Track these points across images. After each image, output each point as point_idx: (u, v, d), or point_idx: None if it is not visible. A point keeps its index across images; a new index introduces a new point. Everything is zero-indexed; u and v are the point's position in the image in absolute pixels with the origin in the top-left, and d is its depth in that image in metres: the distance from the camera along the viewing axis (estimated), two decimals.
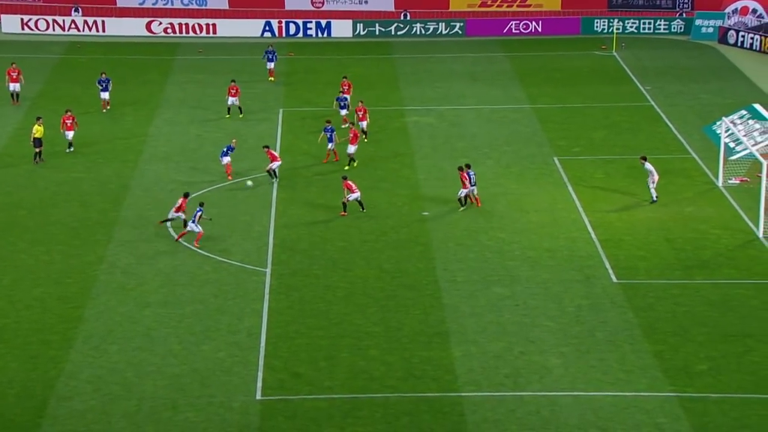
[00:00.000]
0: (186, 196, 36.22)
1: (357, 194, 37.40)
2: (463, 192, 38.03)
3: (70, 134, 43.79)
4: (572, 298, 31.70)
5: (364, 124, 44.90)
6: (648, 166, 37.10)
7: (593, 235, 36.08)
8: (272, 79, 53.30)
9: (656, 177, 37.33)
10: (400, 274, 33.53)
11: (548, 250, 34.93)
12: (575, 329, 29.91)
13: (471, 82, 54.16)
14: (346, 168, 41.37)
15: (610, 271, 33.41)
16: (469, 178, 38.15)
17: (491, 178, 41.55)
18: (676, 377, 27.40)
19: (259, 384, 27.51)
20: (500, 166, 42.79)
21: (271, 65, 53.47)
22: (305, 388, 27.39)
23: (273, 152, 41.00)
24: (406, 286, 32.67)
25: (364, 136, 44.56)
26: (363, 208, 37.23)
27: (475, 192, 38.41)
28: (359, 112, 45.03)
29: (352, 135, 41.92)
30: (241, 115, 48.10)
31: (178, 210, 35.80)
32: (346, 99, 46.70)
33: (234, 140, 42.06)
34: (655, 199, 36.83)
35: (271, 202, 39.17)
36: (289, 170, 41.71)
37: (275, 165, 40.51)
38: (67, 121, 43.73)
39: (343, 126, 44.63)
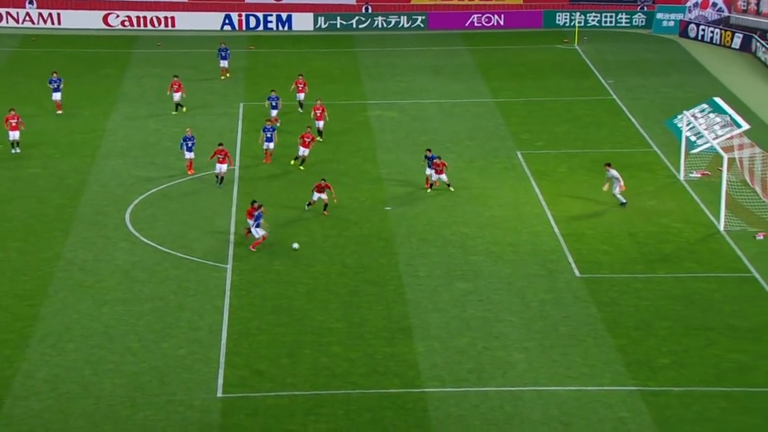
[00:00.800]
0: (253, 203, 35.12)
1: (323, 195, 36.97)
2: (442, 177, 38.49)
3: (15, 134, 42.36)
4: (535, 293, 31.80)
5: (321, 123, 44.25)
6: (613, 172, 36.49)
7: (556, 230, 36.23)
8: (225, 77, 52.16)
9: (622, 183, 36.58)
10: (362, 269, 33.47)
11: (511, 245, 35.02)
12: (538, 324, 30.02)
13: (433, 75, 54.17)
14: (301, 168, 40.99)
15: (573, 266, 33.57)
16: (429, 162, 38.72)
17: (454, 173, 41.57)
18: (639, 371, 27.58)
19: (220, 381, 27.34)
20: (463, 161, 42.84)
21: (224, 63, 52.29)
22: (267, 385, 27.26)
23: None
24: (369, 282, 32.61)
25: (319, 137, 44.13)
26: (325, 209, 36.75)
27: (434, 177, 38.72)
28: (317, 111, 44.29)
29: (308, 138, 41.28)
30: (184, 110, 47.49)
31: (249, 217, 34.76)
32: (277, 99, 45.41)
33: (188, 129, 41.57)
34: (624, 201, 36.56)
35: (232, 198, 38.93)
36: (251, 166, 41.47)
37: (222, 168, 39.20)
38: (11, 121, 42.21)
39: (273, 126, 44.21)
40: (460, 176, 40.99)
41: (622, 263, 33.75)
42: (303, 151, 41.27)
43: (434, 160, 39.13)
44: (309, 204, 37.06)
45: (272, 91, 46.45)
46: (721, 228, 36.04)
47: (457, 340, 29.17)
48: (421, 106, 49.78)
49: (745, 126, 40.05)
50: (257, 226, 34.35)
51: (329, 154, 43.35)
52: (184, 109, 47.69)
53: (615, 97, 50.59)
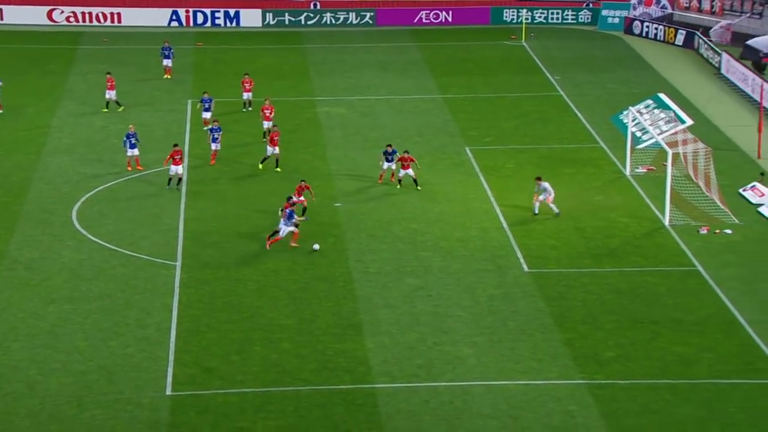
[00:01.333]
0: (289, 199, 34.64)
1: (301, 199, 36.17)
2: (409, 172, 38.47)
3: None
4: (484, 288, 32.02)
5: (269, 124, 43.62)
6: (544, 185, 36.31)
7: (505, 225, 36.49)
8: (168, 76, 51.58)
9: (552, 195, 36.26)
10: (312, 266, 33.44)
11: (460, 241, 35.22)
12: (487, 319, 30.23)
13: (382, 72, 54.23)
14: (278, 169, 40.64)
15: (522, 261, 33.85)
16: (386, 158, 38.81)
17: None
18: (586, 365, 27.91)
19: (169, 379, 27.18)
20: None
21: (167, 62, 51.49)
22: (216, 382, 27.16)
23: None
24: (319, 278, 32.60)
25: (264, 138, 43.89)
26: (304, 214, 35.89)
27: (401, 174, 38.83)
28: (265, 111, 43.72)
29: (276, 135, 40.83)
30: (120, 109, 46.94)
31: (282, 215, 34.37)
32: (210, 101, 44.46)
33: (131, 126, 41.21)
34: (557, 212, 36.13)
35: (180, 195, 38.68)
36: (200, 163, 41.23)
37: (179, 170, 38.40)
38: None
39: (204, 128, 43.89)
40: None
41: (569, 258, 34.10)
42: (271, 150, 40.43)
43: (402, 155, 38.68)
44: (303, 213, 35.90)
45: (204, 92, 45.69)
46: (666, 222, 36.56)
47: (407, 336, 29.28)
48: (370, 102, 49.80)
49: (689, 122, 40.68)
50: (289, 222, 33.79)
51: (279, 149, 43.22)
52: (121, 108, 46.99)
53: (562, 93, 51.06)
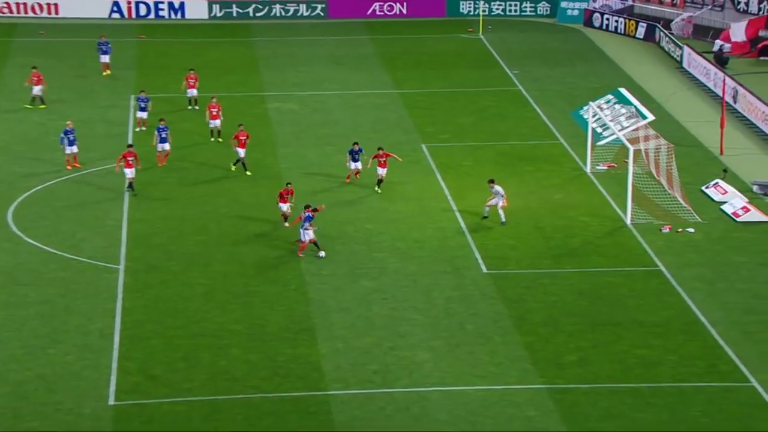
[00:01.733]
0: (307, 207, 34.16)
1: (283, 207, 35.41)
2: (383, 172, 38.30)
3: None
4: (442, 290, 32.10)
5: (217, 123, 43.24)
6: (497, 188, 35.97)
7: (463, 225, 36.61)
8: (107, 73, 50.72)
9: (504, 202, 35.85)
10: (263, 268, 33.33)
11: (417, 241, 35.28)
12: (445, 322, 30.32)
13: (334, 66, 54.18)
14: (248, 173, 40.29)
15: (480, 262, 33.98)
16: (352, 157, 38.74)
17: None
18: (547, 369, 28.09)
19: (112, 388, 26.95)
20: (366, 154, 42.97)
21: (105, 58, 50.56)
22: (162, 391, 26.96)
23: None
24: (270, 281, 32.50)
25: (214, 137, 43.40)
26: (286, 222, 35.37)
27: (380, 172, 38.53)
28: (212, 110, 43.32)
29: (243, 136, 40.37)
30: (42, 106, 46.32)
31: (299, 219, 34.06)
32: (146, 100, 43.68)
33: (69, 122, 40.70)
34: (504, 221, 35.71)
35: (123, 194, 38.38)
36: (144, 161, 40.90)
37: (130, 173, 37.55)
38: None
39: (137, 129, 43.48)
40: (364, 170, 41.07)
41: (529, 258, 34.29)
42: (241, 153, 39.94)
43: (377, 152, 38.38)
44: (285, 219, 35.30)
45: (141, 91, 45.14)
46: (628, 221, 36.89)
47: (361, 340, 29.28)
48: (322, 97, 49.72)
49: (650, 117, 41.05)
50: (307, 226, 33.50)
51: (226, 149, 43.02)
52: (43, 105, 46.23)
53: (520, 87, 51.33)
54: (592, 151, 41.55)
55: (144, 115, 44.18)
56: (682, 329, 30.04)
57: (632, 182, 36.98)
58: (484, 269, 33.53)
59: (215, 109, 43.66)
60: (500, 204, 35.84)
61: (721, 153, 43.40)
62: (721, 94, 46.17)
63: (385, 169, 38.68)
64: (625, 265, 33.92)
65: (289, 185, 35.97)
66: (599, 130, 42.02)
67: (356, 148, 39.45)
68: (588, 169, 41.45)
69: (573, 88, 51.27)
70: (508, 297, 31.76)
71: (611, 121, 40.93)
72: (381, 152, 38.81)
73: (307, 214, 33.68)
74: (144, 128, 43.62)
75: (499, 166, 41.84)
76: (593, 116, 41.80)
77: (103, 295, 31.33)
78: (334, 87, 51.03)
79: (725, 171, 40.82)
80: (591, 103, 42.26)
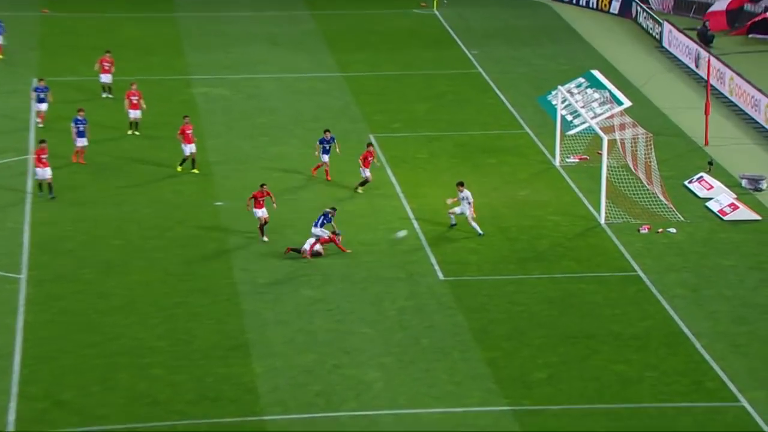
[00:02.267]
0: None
1: (260, 213, 34.80)
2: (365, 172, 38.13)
3: None
4: (393, 300, 32.13)
5: (137, 113, 42.82)
6: (466, 193, 35.43)
7: (416, 225, 36.66)
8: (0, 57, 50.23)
9: (472, 211, 35.31)
10: (189, 276, 33.16)
11: (365, 245, 35.28)
12: (397, 336, 30.35)
13: (271, 46, 54.07)
14: (195, 171, 39.87)
15: (437, 267, 34.04)
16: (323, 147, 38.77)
17: (297, 160, 41.59)
18: (512, 388, 28.20)
19: (12, 417, 26.64)
20: (308, 146, 42.89)
21: None
22: (73, 418, 26.70)
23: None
24: (198, 291, 32.35)
25: (133, 130, 42.97)
26: (264, 236, 35.01)
27: (365, 174, 38.37)
28: (132, 98, 42.83)
29: (189, 129, 39.92)
30: None
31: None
32: (45, 90, 42.93)
33: None
34: (481, 232, 35.31)
35: (26, 193, 37.98)
36: (51, 155, 40.40)
37: (47, 173, 36.96)
38: None
39: (38, 123, 42.92)
40: (304, 165, 41.03)
41: (491, 263, 34.41)
42: (189, 149, 39.56)
43: (367, 150, 38.18)
44: (263, 232, 34.81)
45: (40, 80, 44.58)
46: (602, 221, 37.15)
47: (302, 358, 29.22)
48: (257, 81, 49.58)
49: (627, 103, 41.39)
50: (322, 225, 33.70)
51: (146, 140, 42.73)
52: None
53: (481, 70, 51.51)
54: (562, 141, 41.81)
55: (43, 107, 43.43)
56: (664, 342, 30.30)
57: (606, 177, 37.24)
58: (441, 276, 33.58)
59: (135, 98, 43.20)
60: (468, 214, 35.44)
61: (706, 143, 43.87)
62: (705, 77, 46.65)
63: (368, 170, 38.36)
64: (600, 270, 34.13)
65: (264, 186, 35.17)
66: (569, 117, 42.25)
67: (328, 136, 39.27)
68: (557, 162, 41.68)
69: (540, 70, 51.55)
70: (469, 307, 31.84)
71: (583, 107, 41.18)
72: (372, 149, 38.32)
73: (329, 214, 33.90)
74: (42, 124, 42.84)
75: (458, 160, 41.95)
76: (563, 102, 42.03)
77: (2, 309, 30.98)
78: (271, 70, 50.86)
79: (711, 163, 41.27)
80: (560, 87, 42.52)
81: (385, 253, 34.83)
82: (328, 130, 39.56)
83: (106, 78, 46.53)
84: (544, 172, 41.05)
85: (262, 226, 34.95)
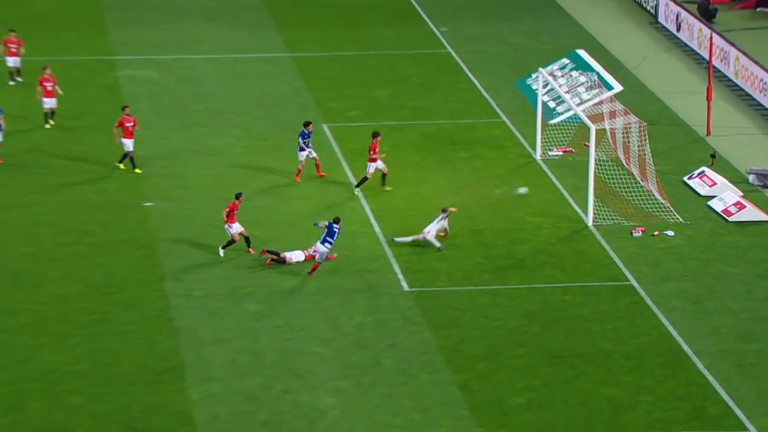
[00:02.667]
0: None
1: (236, 228, 34.43)
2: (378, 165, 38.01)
3: None
4: (351, 315, 32.16)
5: (52, 102, 42.50)
6: (444, 223, 35.20)
7: (377, 229, 36.69)
8: None
9: (445, 233, 35.43)
10: (114, 289, 33.08)
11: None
12: (355, 356, 30.39)
13: (207, 22, 54.01)
14: (137, 170, 39.68)
15: (401, 277, 34.09)
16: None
17: (239, 154, 41.54)
18: (488, 415, 28.29)
19: None
20: (251, 138, 42.87)
21: None
22: None
23: None
24: (124, 306, 32.26)
25: (48, 121, 42.72)
26: (249, 245, 34.75)
27: (373, 168, 38.27)
28: (46, 84, 42.47)
29: (129, 121, 39.52)
30: None
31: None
32: None
33: None
34: (440, 246, 35.05)
35: None
36: None
37: None
38: None
39: None
40: (248, 159, 41.02)
41: (464, 272, 34.49)
42: (129, 145, 39.41)
43: (372, 141, 38.07)
44: (248, 243, 34.64)
45: None
46: (590, 222, 37.33)
47: (246, 382, 29.19)
48: (192, 63, 49.50)
49: (617, 87, 41.64)
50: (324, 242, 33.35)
51: (63, 132, 42.53)
52: None
53: (451, 50, 51.61)
54: (543, 131, 41.98)
55: None
56: (661, 361, 30.48)
57: (594, 172, 37.42)
58: (406, 287, 33.64)
59: (49, 84, 42.97)
60: (434, 230, 35.13)
61: (708, 133, 44.17)
62: (707, 57, 46.96)
63: (379, 163, 38.22)
64: (587, 279, 34.29)
65: (241, 197, 34.73)
66: (552, 104, 42.42)
67: (308, 130, 39.05)
68: (538, 156, 41.85)
69: (518, 50, 51.74)
70: (437, 322, 31.90)
71: (567, 92, 41.36)
72: (377, 141, 38.03)
73: (333, 226, 33.25)
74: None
75: (424, 153, 42.02)
76: (544, 87, 42.21)
77: None
78: (207, 49, 50.78)
79: (713, 156, 41.55)
80: (541, 69, 42.68)
81: (342, 260, 34.83)
82: (309, 122, 39.38)
83: (13, 62, 46.18)
84: (524, 166, 41.19)
85: (234, 238, 34.62)
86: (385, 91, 47.35)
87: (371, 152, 38.53)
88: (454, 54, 51.16)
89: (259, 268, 34.35)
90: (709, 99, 44.25)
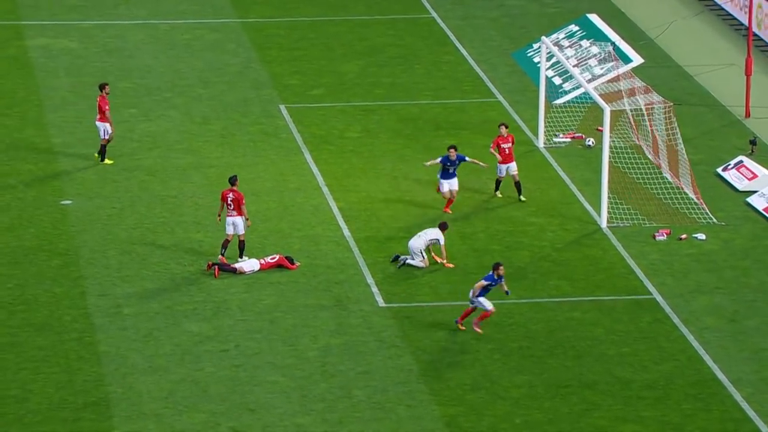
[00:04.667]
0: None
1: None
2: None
3: None
4: (316, 336, 32.21)
5: None
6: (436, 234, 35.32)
7: (346, 232, 36.76)
8: None
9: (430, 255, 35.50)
10: (23, 305, 33.10)
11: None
12: (320, 387, 30.44)
13: None
14: (108, 161, 39.78)
15: (375, 290, 34.17)
16: None
17: (178, 141, 41.57)
18: None
19: None
20: (192, 122, 42.89)
21: None
22: None
23: None
24: (35, 327, 32.27)
25: None
26: (241, 255, 35.15)
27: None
28: None
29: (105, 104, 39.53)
30: None
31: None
32: None
33: None
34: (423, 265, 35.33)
35: None
36: None
37: None
38: None
39: None
40: (188, 147, 41.10)
41: (450, 284, 34.58)
42: (106, 133, 39.57)
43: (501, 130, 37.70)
44: (222, 254, 34.87)
45: None
46: (603, 224, 37.47)
47: (186, 418, 29.22)
48: (119, 30, 49.51)
49: (637, 60, 41.73)
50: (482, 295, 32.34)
51: None
52: None
53: (435, 15, 51.69)
54: (547, 114, 42.11)
55: None
56: (690, 392, 30.62)
57: (609, 162, 37.56)
58: (381, 302, 33.74)
59: None
60: (424, 244, 35.17)
61: (747, 115, 44.38)
62: (746, 23, 47.15)
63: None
64: (600, 293, 34.44)
65: (234, 188, 34.94)
66: (557, 81, 42.54)
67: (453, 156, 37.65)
68: (540, 143, 41.99)
69: (516, 15, 51.83)
70: (419, 344, 31.98)
71: (576, 66, 41.45)
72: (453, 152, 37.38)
73: (496, 277, 32.18)
74: None
75: (403, 140, 42.10)
76: (548, 59, 42.32)
77: None
78: (138, 14, 50.79)
79: (754, 143, 41.75)
80: (544, 38, 42.79)
81: (305, 270, 34.89)
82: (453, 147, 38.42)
83: None
84: (524, 156, 41.30)
85: (242, 243, 35.00)
86: (355, 65, 47.39)
87: (500, 147, 37.71)
88: (438, 20, 51.24)
89: (202, 280, 34.37)
90: (748, 74, 44.42)
